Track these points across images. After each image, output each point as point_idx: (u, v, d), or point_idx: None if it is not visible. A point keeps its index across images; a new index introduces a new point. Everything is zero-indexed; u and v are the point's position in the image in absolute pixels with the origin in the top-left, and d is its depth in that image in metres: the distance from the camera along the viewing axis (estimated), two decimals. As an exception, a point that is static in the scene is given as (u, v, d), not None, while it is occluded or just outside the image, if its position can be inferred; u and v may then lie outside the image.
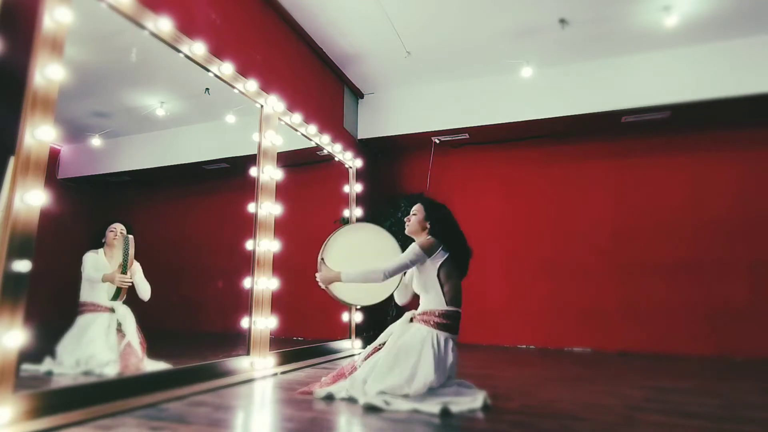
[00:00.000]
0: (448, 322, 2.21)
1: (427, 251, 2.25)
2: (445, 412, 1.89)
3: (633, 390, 2.52)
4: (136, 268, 2.86)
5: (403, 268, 2.26)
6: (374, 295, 2.52)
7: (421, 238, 2.33)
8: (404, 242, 2.45)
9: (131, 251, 2.72)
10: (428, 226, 2.37)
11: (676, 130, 4.64)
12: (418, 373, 2.06)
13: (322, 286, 2.38)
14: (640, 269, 4.55)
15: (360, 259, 2.45)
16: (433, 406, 1.92)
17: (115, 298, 2.71)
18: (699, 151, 4.59)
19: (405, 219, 2.46)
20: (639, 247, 4.59)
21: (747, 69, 3.99)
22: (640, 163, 4.74)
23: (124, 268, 2.70)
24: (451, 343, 2.19)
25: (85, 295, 2.74)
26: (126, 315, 2.76)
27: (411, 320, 2.30)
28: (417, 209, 2.43)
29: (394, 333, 2.27)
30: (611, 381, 2.83)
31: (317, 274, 2.38)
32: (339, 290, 2.43)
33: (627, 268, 4.59)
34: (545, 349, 4.65)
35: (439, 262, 2.26)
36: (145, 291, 2.86)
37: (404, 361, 2.10)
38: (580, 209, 4.85)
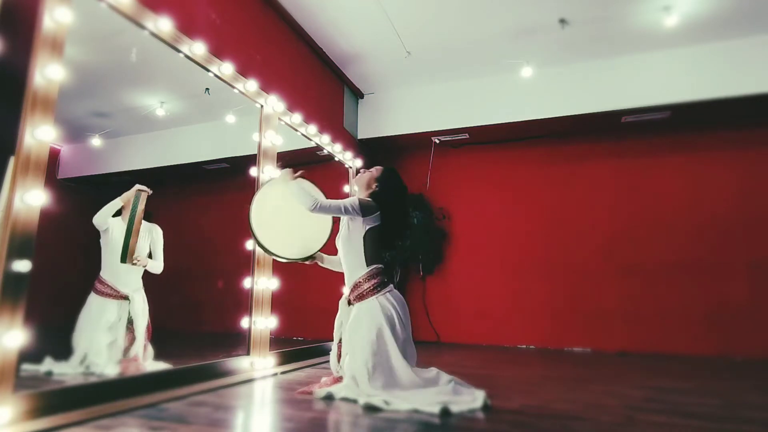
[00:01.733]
0: (377, 281, 2.27)
1: (364, 209, 2.30)
2: (445, 412, 1.89)
3: (633, 390, 2.52)
4: (157, 237, 2.81)
5: (335, 210, 2.31)
6: (300, 248, 2.52)
7: (363, 196, 2.39)
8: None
9: (141, 205, 2.62)
10: (375, 188, 2.44)
11: (676, 130, 4.64)
12: (389, 347, 2.14)
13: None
14: (640, 269, 4.55)
15: (286, 225, 2.46)
16: (433, 406, 1.92)
17: (123, 258, 2.62)
18: (699, 151, 4.59)
19: (360, 169, 2.52)
20: (639, 247, 4.59)
21: (747, 69, 3.99)
22: (640, 163, 4.74)
23: (131, 222, 2.60)
24: (393, 299, 2.26)
25: (106, 271, 2.69)
26: (140, 311, 2.73)
27: (349, 304, 2.35)
28: (376, 168, 2.51)
29: (344, 324, 2.33)
30: (611, 381, 2.83)
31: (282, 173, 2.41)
32: (269, 240, 2.42)
33: (627, 268, 4.59)
34: (545, 349, 4.65)
35: (369, 226, 2.32)
36: (156, 265, 2.82)
37: (372, 345, 2.14)
38: (580, 209, 4.85)
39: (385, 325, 2.18)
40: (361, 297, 2.28)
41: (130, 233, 2.63)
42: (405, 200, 2.49)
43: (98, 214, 2.70)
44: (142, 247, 2.78)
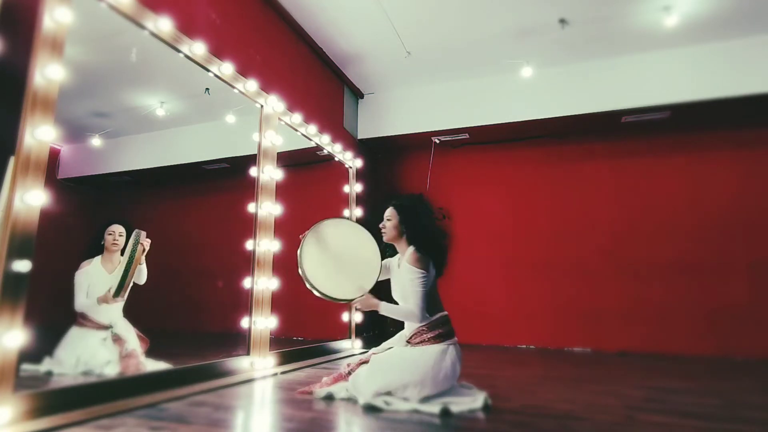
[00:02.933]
0: (441, 331, 2.15)
1: (427, 269, 2.18)
2: (445, 412, 1.89)
3: (633, 390, 2.52)
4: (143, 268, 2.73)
5: (423, 298, 2.17)
6: (352, 289, 2.38)
7: (409, 256, 2.23)
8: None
9: (140, 247, 2.57)
10: (404, 230, 2.30)
11: (676, 130, 4.64)
12: (416, 383, 2.04)
13: (358, 306, 2.29)
14: (640, 269, 4.55)
15: (340, 266, 2.35)
16: (433, 407, 1.92)
17: (117, 294, 2.58)
18: (699, 151, 4.59)
19: (380, 226, 2.38)
20: (639, 247, 4.59)
21: (747, 69, 3.99)
22: (640, 163, 4.74)
23: (130, 262, 2.52)
24: (450, 349, 2.13)
25: (81, 305, 2.62)
26: (123, 328, 2.69)
27: (407, 344, 2.22)
28: (390, 214, 2.35)
29: (394, 348, 2.23)
30: (611, 381, 2.83)
31: (357, 302, 2.28)
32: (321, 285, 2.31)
33: (627, 268, 4.59)
34: (545, 349, 4.65)
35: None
36: (142, 278, 2.75)
37: (404, 369, 2.06)
38: (580, 209, 4.85)
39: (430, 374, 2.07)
40: (422, 344, 2.14)
41: (128, 273, 2.56)
42: (429, 214, 2.36)
43: (79, 295, 2.63)
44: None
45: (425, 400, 2.02)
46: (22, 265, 1.70)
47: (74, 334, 2.61)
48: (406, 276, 2.19)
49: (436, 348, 2.11)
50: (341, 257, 2.38)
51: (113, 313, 2.72)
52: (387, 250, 2.47)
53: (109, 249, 2.75)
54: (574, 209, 4.87)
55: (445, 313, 2.23)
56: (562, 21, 3.84)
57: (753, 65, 3.97)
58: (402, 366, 2.08)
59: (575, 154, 4.96)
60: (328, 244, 2.38)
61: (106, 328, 2.65)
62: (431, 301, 2.20)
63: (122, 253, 2.75)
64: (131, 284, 2.66)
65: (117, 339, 2.65)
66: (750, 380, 3.01)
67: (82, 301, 2.63)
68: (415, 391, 2.02)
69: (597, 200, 4.82)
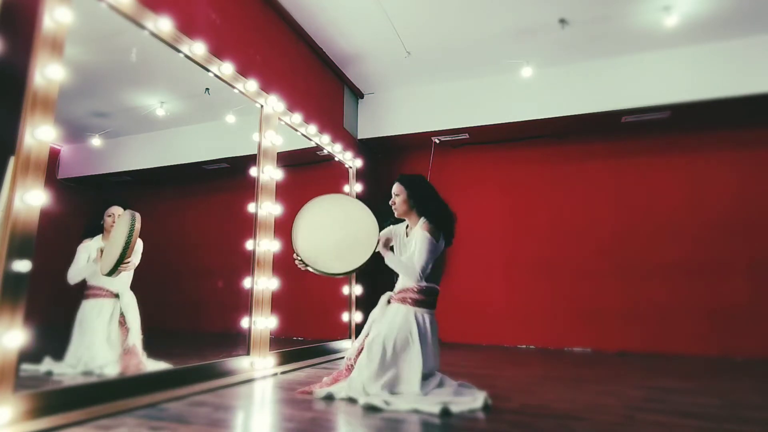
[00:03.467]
0: (424, 298, 2.29)
1: (437, 239, 2.33)
2: (445, 412, 1.89)
3: (633, 390, 2.52)
4: (138, 247, 2.79)
5: (432, 259, 2.31)
6: (351, 261, 2.42)
7: (420, 225, 2.37)
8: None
9: (135, 235, 2.57)
10: (413, 204, 2.44)
11: (676, 130, 4.64)
12: (412, 367, 2.14)
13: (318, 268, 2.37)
14: (640, 269, 4.55)
15: (335, 240, 2.42)
16: (433, 406, 1.92)
17: (111, 272, 2.59)
18: (699, 151, 4.59)
19: (390, 202, 2.49)
20: (639, 247, 4.59)
21: (747, 69, 3.99)
22: (640, 163, 4.74)
23: (121, 257, 2.54)
24: (428, 318, 2.28)
25: (76, 272, 2.72)
26: (130, 304, 2.76)
27: (389, 302, 2.38)
28: (398, 189, 2.48)
29: (376, 320, 2.34)
30: (611, 381, 2.83)
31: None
32: (319, 261, 2.38)
33: (627, 268, 4.59)
34: (545, 349, 4.65)
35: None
36: (136, 259, 2.84)
37: (395, 355, 2.17)
38: (580, 209, 4.85)
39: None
40: (402, 300, 2.31)
41: (126, 252, 2.55)
42: (433, 188, 2.49)
43: (81, 265, 2.70)
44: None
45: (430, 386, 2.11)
46: (22, 265, 1.70)
47: (86, 307, 2.67)
48: (417, 239, 2.32)
49: (410, 309, 2.27)
50: (335, 234, 2.44)
51: (121, 282, 2.77)
52: (387, 222, 2.57)
53: (108, 230, 2.82)
54: (574, 209, 4.87)
55: (437, 287, 2.37)
56: (562, 21, 3.84)
57: (753, 65, 3.97)
58: (383, 325, 2.24)
59: (575, 154, 4.96)
60: (316, 229, 2.45)
61: (114, 296, 2.73)
62: (434, 271, 2.34)
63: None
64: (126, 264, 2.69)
65: (122, 323, 2.70)
66: (750, 380, 3.01)
67: (80, 266, 2.70)
68: (405, 355, 2.14)
69: (597, 200, 4.82)
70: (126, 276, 2.81)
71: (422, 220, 2.38)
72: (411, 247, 2.37)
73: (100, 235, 2.83)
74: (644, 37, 4.03)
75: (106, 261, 2.63)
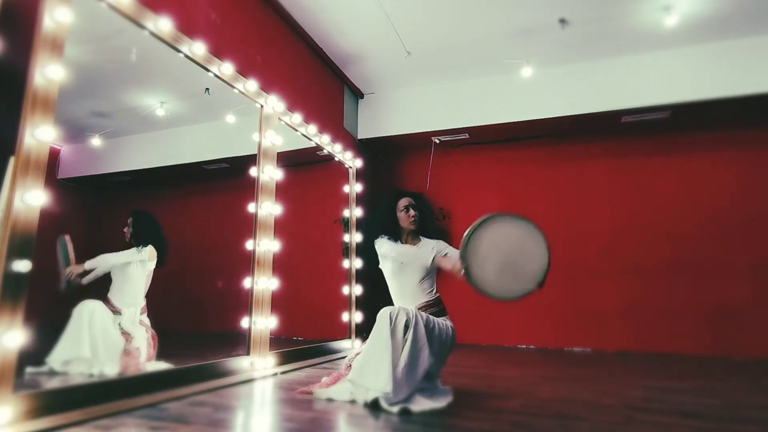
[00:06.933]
0: (441, 308, 2.46)
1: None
2: (405, 411, 1.88)
3: (633, 390, 2.52)
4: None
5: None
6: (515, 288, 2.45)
7: (436, 239, 2.59)
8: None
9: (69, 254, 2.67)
10: (419, 223, 2.59)
11: (675, 130, 4.64)
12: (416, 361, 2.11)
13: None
14: (640, 269, 4.55)
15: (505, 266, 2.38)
16: (433, 405, 1.92)
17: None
18: (699, 151, 4.59)
19: (408, 215, 2.52)
20: (639, 247, 4.59)
21: (747, 69, 3.99)
22: (639, 163, 4.74)
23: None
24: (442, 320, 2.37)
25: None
26: (130, 326, 2.77)
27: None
28: (413, 203, 2.58)
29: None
30: (611, 381, 2.83)
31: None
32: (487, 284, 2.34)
33: (627, 268, 4.59)
34: (545, 349, 4.65)
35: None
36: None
37: (395, 349, 2.14)
38: (579, 209, 4.85)
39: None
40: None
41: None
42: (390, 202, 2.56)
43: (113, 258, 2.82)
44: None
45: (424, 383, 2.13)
46: (22, 265, 1.70)
47: (86, 305, 2.66)
48: (443, 245, 2.58)
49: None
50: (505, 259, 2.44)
51: (130, 310, 2.81)
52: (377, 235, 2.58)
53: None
54: (574, 209, 4.87)
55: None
56: (562, 21, 3.84)
57: (753, 65, 3.97)
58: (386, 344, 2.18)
59: (575, 154, 4.96)
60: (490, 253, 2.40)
61: (117, 312, 2.77)
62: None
63: (129, 238, 2.99)
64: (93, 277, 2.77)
65: (124, 331, 2.72)
66: (750, 380, 3.01)
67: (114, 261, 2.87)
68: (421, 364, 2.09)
69: (597, 200, 4.82)
70: (133, 312, 2.84)
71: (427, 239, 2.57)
72: (426, 254, 2.49)
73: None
74: (644, 37, 4.03)
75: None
